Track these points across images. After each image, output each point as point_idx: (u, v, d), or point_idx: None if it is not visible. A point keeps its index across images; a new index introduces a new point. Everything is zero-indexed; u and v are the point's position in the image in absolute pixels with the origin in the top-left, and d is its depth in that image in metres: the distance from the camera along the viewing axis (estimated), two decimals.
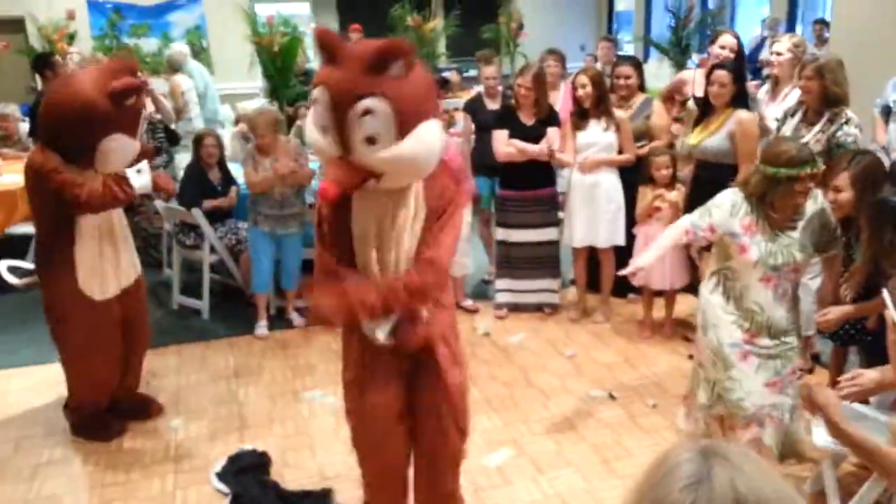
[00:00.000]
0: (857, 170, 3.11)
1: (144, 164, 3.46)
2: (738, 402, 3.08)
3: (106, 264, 3.52)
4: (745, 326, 3.11)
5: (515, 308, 5.07)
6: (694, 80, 5.05)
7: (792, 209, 3.01)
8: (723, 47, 4.78)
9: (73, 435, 3.72)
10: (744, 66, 4.85)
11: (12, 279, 3.80)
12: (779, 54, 4.35)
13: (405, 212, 2.39)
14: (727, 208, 3.09)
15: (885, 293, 1.52)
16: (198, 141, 5.27)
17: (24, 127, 6.72)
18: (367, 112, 2.16)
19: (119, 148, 3.35)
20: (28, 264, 3.95)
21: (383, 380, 2.56)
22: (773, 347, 3.13)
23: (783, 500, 0.91)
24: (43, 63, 6.03)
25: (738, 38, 5.00)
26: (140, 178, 3.43)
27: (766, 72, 5.73)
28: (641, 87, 5.06)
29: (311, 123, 2.30)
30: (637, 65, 5.09)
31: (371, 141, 2.19)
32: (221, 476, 3.34)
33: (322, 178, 2.46)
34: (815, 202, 3.08)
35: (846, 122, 3.70)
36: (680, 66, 7.87)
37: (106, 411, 3.74)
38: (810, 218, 3.05)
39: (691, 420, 3.33)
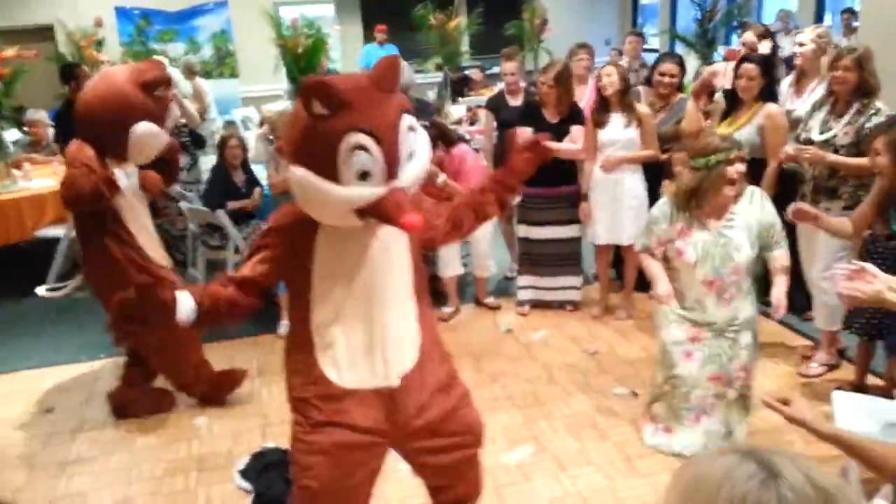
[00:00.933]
0: (894, 135, 3.07)
1: (133, 169, 3.69)
2: (685, 395, 3.29)
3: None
4: (689, 323, 3.24)
5: (538, 305, 5.05)
6: (725, 72, 4.97)
7: (724, 202, 3.11)
8: (744, 44, 4.72)
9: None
10: (773, 58, 4.78)
11: (54, 294, 4.00)
12: (802, 45, 4.26)
13: (395, 249, 2.30)
14: (663, 221, 3.25)
15: None
16: (222, 143, 5.33)
17: (52, 132, 6.84)
18: (410, 128, 2.13)
19: (150, 134, 3.55)
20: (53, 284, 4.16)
21: (359, 399, 2.30)
22: (718, 343, 3.23)
23: (843, 487, 0.90)
24: (69, 73, 6.14)
25: (767, 30, 4.93)
26: (128, 180, 3.65)
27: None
28: (679, 87, 4.98)
29: (311, 179, 2.06)
30: (681, 63, 4.92)
31: (411, 156, 2.15)
32: (245, 473, 3.36)
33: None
34: (751, 201, 3.16)
35: (875, 114, 3.62)
36: (706, 59, 7.77)
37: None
38: (756, 220, 3.12)
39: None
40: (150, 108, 3.54)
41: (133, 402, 3.96)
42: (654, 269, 3.32)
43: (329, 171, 2.04)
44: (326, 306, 2.25)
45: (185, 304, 2.19)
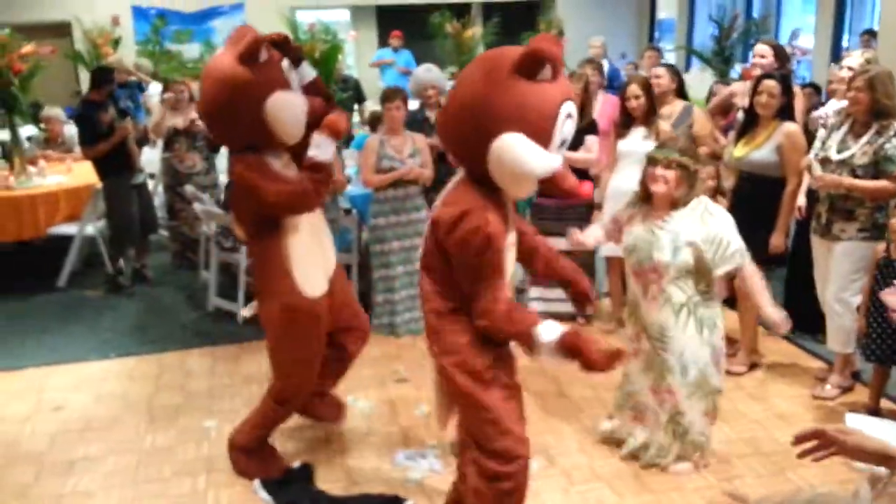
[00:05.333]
0: None
1: (320, 138, 3.09)
2: (627, 393, 3.42)
3: (317, 258, 3.25)
4: (631, 321, 3.35)
5: (548, 317, 5.01)
6: (745, 92, 4.95)
7: (658, 200, 3.16)
8: (762, 56, 4.72)
9: (232, 459, 3.41)
10: (790, 76, 4.75)
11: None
12: (851, 69, 4.22)
13: None
14: (626, 207, 3.37)
15: None
16: None
17: (69, 129, 6.85)
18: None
19: (281, 105, 2.97)
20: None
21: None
22: (650, 354, 3.28)
23: None
24: (103, 77, 5.81)
25: (778, 46, 4.92)
26: (323, 151, 3.08)
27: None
28: (683, 95, 4.97)
29: (529, 145, 2.17)
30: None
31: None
32: (266, 484, 3.28)
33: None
34: (694, 211, 3.11)
35: (895, 135, 3.61)
36: (723, 75, 7.76)
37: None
38: (692, 231, 3.08)
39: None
40: (264, 79, 2.96)
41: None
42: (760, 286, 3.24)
43: (545, 136, 2.19)
44: None
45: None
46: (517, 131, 2.14)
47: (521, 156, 2.15)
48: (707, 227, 3.07)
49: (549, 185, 2.26)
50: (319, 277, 3.24)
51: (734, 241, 3.09)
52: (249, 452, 3.37)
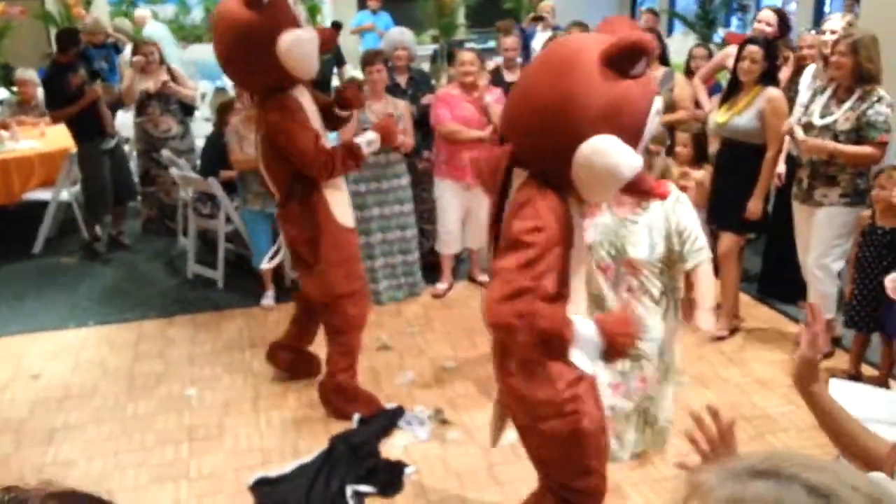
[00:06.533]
0: None
1: (374, 136, 3.48)
2: None
3: (344, 196, 3.52)
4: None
5: None
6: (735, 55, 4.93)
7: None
8: (765, 22, 4.70)
9: (325, 402, 3.62)
10: (779, 44, 4.71)
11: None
12: (833, 32, 4.20)
13: None
14: None
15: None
16: (224, 109, 5.15)
17: (42, 92, 6.67)
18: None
19: (292, 43, 3.04)
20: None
21: None
22: None
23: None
24: (70, 40, 5.57)
25: (783, 13, 4.89)
26: (370, 147, 3.46)
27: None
28: (665, 61, 4.94)
29: (622, 148, 1.94)
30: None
31: None
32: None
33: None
34: (662, 205, 2.93)
35: (878, 101, 3.60)
36: (706, 40, 7.72)
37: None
38: (664, 222, 2.93)
39: None
40: (273, 20, 3.03)
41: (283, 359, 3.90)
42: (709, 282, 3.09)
43: (636, 136, 2.00)
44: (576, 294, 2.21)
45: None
46: (610, 132, 1.93)
47: (614, 160, 1.93)
48: (678, 217, 2.94)
49: (627, 187, 2.04)
50: (349, 211, 3.51)
51: (701, 236, 2.97)
52: (340, 394, 3.56)
